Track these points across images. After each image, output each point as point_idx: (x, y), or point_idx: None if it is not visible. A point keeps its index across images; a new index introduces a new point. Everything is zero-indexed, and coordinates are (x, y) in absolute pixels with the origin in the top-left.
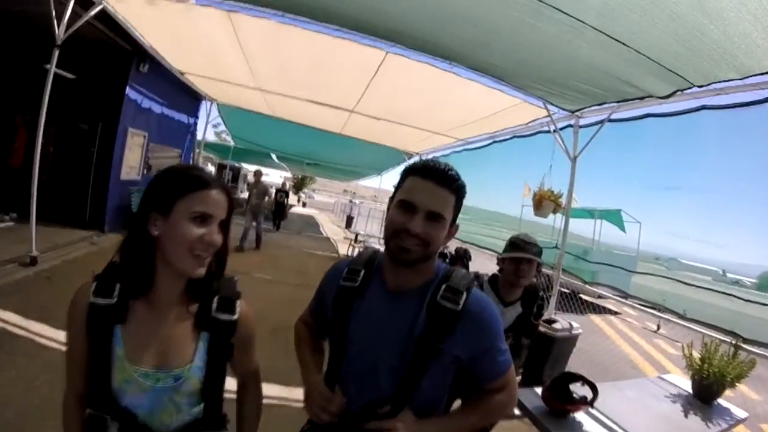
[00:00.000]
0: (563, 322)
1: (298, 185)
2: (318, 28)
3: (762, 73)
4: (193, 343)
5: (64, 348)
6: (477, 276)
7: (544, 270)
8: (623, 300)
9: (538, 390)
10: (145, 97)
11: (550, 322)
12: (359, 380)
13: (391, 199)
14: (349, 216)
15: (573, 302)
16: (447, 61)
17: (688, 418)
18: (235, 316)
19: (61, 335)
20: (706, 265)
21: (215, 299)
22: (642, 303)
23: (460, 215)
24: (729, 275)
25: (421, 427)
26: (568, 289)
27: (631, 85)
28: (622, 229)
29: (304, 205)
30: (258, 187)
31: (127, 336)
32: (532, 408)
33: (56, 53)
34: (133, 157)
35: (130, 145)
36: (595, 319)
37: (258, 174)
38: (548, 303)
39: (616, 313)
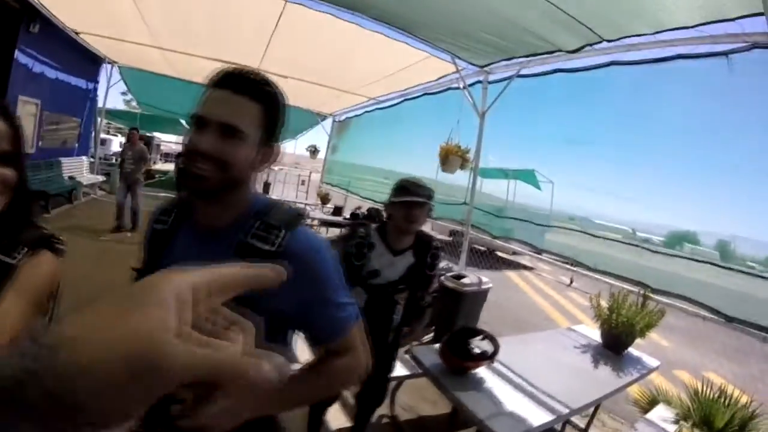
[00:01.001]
0: (472, 276)
1: None
2: None
3: (674, 29)
4: None
5: None
6: (363, 225)
7: (457, 227)
8: (537, 255)
9: (437, 346)
10: (37, 61)
11: (459, 277)
12: None
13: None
14: (265, 182)
15: (488, 259)
16: (350, 12)
17: (598, 369)
18: (13, 261)
19: None
20: (618, 224)
21: (4, 243)
22: (554, 257)
23: (379, 178)
24: (639, 234)
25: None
26: (483, 246)
27: (540, 38)
28: (537, 187)
29: None
30: (133, 150)
31: None
32: (429, 366)
33: None
34: (25, 128)
35: (22, 113)
36: (511, 274)
37: (133, 134)
38: (455, 256)
39: (530, 269)
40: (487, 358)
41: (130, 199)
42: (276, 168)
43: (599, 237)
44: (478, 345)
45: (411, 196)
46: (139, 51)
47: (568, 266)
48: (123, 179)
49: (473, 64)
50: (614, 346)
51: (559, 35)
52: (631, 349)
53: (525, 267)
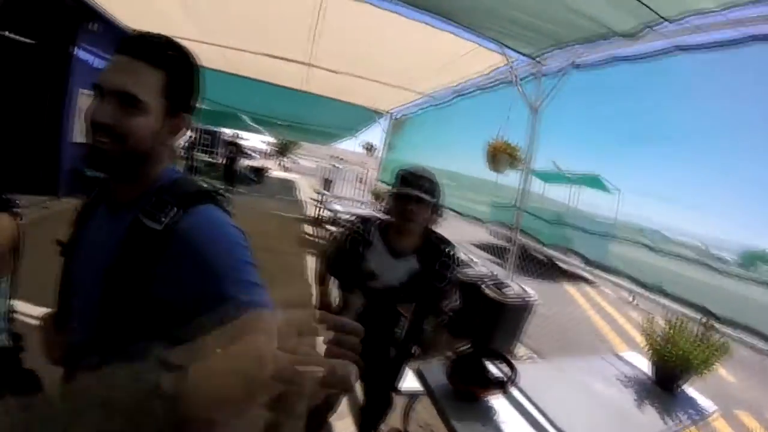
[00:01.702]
0: (516, 287)
1: (282, 149)
2: None
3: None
4: None
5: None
6: (367, 218)
7: (503, 231)
8: (590, 268)
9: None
10: (97, 57)
11: (501, 286)
12: (77, 316)
13: None
14: (326, 179)
15: (547, 269)
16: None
17: (641, 408)
18: None
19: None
20: (689, 239)
21: None
22: (617, 272)
23: None
24: (711, 251)
25: None
26: (543, 255)
27: (592, 19)
28: (606, 190)
29: (285, 169)
30: None
31: None
32: (434, 385)
33: None
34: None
35: (83, 106)
36: (569, 287)
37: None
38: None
39: (592, 283)
40: (500, 386)
41: None
42: (339, 165)
43: (667, 253)
44: (496, 368)
45: (408, 188)
46: (194, 47)
47: (629, 283)
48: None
49: (523, 54)
50: (666, 381)
51: (614, 16)
52: (686, 387)
53: (586, 280)
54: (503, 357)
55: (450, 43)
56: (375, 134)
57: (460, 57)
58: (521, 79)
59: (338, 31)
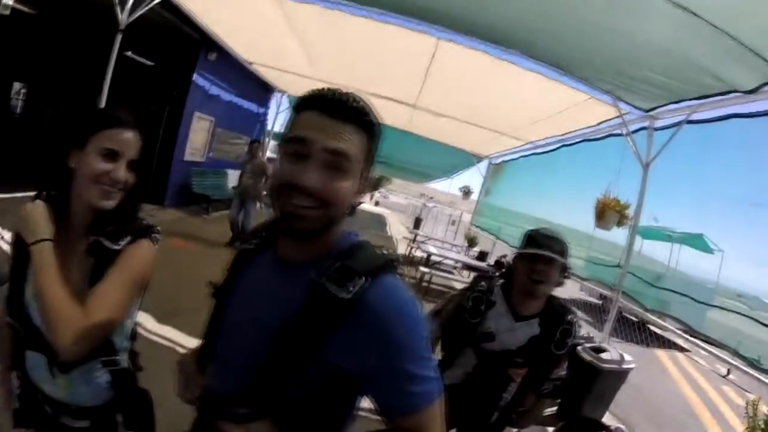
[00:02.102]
0: (614, 352)
1: (374, 184)
2: (364, 12)
3: None
4: (84, 270)
5: None
6: (490, 277)
7: (606, 292)
8: (692, 337)
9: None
10: (213, 84)
11: (598, 350)
12: (226, 365)
13: (281, 143)
14: (417, 217)
15: (638, 332)
16: (506, 50)
17: None
18: (118, 246)
19: None
20: None
21: (109, 230)
22: (713, 342)
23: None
24: None
25: None
26: (634, 316)
27: (712, 75)
28: (709, 251)
29: (376, 204)
30: (253, 163)
31: None
32: None
33: (119, 38)
34: (198, 140)
35: (196, 128)
36: (660, 354)
37: (254, 146)
38: (600, 327)
39: (684, 350)
40: None
41: (242, 216)
42: (430, 204)
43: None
44: None
45: (538, 248)
46: (304, 83)
47: (725, 354)
48: (238, 194)
49: (637, 108)
50: None
51: (734, 71)
52: None
53: (678, 347)
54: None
55: (561, 93)
56: (470, 177)
57: (571, 108)
58: (633, 132)
59: (446, 76)
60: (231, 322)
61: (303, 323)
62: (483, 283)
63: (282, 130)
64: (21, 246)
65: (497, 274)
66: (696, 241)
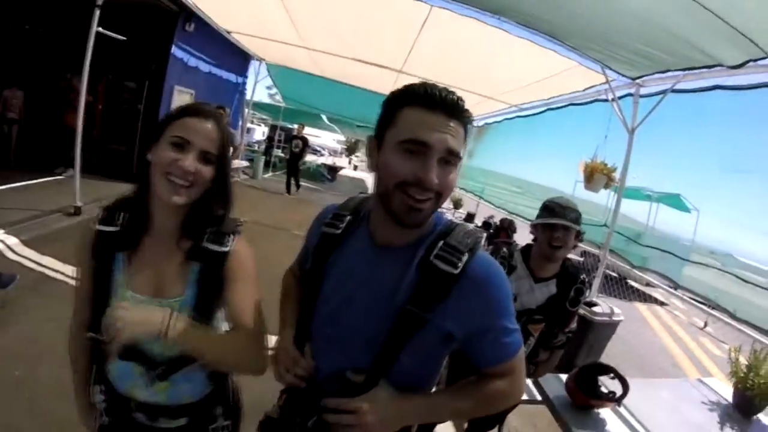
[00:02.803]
0: (604, 306)
1: (351, 149)
2: None
3: None
4: (185, 275)
5: None
6: (508, 243)
7: (591, 249)
8: (672, 291)
9: (563, 376)
10: (192, 56)
11: (590, 304)
12: (330, 345)
13: (378, 137)
14: None
15: (619, 287)
16: (495, 16)
17: (722, 431)
18: (226, 248)
19: None
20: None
21: (208, 232)
22: (691, 296)
23: (512, 187)
24: None
25: (396, 405)
26: (615, 272)
27: (699, 50)
28: (686, 209)
29: (355, 168)
30: (301, 137)
31: (128, 263)
32: (553, 397)
33: (97, 13)
34: None
35: (177, 101)
36: (641, 307)
37: (301, 126)
38: (590, 285)
39: (663, 304)
40: (614, 399)
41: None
42: None
43: (744, 281)
44: (607, 383)
45: (555, 217)
46: (285, 50)
47: (704, 307)
48: (289, 160)
49: (624, 76)
50: (744, 408)
51: (721, 48)
52: (762, 416)
53: (658, 301)
54: (616, 373)
55: (549, 59)
56: None
57: (558, 74)
58: (619, 98)
59: (436, 42)
60: (336, 303)
61: (419, 296)
62: (504, 249)
63: (260, 101)
64: (101, 257)
65: (490, 234)
66: (674, 201)
